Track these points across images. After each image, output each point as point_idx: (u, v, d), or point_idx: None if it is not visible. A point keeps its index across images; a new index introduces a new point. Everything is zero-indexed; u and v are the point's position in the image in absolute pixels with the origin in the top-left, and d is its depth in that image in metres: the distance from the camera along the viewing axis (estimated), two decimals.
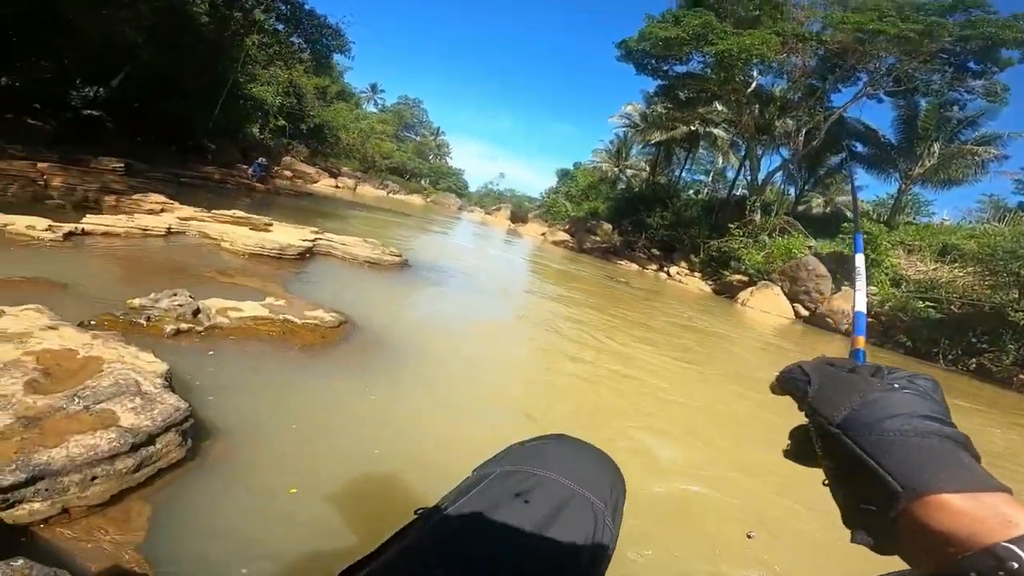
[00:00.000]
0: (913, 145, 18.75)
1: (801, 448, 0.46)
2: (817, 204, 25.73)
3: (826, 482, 0.41)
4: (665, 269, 20.23)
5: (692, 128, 25.08)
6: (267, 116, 21.05)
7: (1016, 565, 0.28)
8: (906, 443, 0.36)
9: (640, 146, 32.60)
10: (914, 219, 22.18)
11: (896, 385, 0.40)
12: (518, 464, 0.68)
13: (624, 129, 33.26)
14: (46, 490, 1.16)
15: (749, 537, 2.16)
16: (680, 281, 18.83)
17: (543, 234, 28.40)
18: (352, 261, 5.92)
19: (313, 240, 5.96)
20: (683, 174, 31.60)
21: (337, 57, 18.83)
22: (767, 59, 17.23)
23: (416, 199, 36.14)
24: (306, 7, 14.53)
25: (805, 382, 0.44)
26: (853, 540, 0.37)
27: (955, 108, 18.16)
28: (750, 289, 15.93)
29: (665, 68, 20.39)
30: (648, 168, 31.45)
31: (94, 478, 1.24)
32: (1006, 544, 0.29)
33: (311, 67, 20.86)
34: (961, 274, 14.23)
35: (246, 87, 17.97)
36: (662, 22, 18.06)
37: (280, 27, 15.25)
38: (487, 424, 2.63)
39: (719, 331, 8.77)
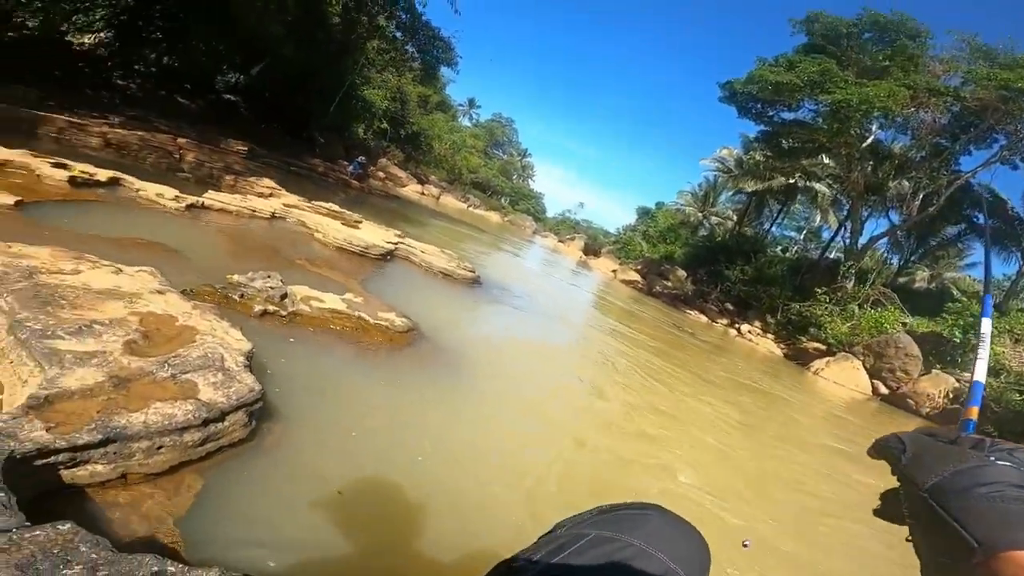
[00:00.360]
0: None
1: (889, 508, 0.49)
2: (922, 278, 23.23)
3: (909, 538, 0.44)
4: (736, 326, 18.92)
5: (791, 180, 23.64)
6: (373, 118, 22.53)
7: None
8: (990, 508, 0.38)
9: (730, 193, 31.37)
10: None
11: (993, 457, 0.42)
12: (615, 531, 0.65)
13: (715, 173, 32.08)
14: (114, 453, 1.21)
15: (745, 546, 2.23)
16: (750, 340, 17.59)
17: (614, 271, 27.89)
18: (428, 269, 6.10)
19: (395, 243, 6.22)
20: (773, 228, 29.88)
21: (443, 69, 19.84)
22: (891, 113, 15.39)
23: (494, 216, 36.97)
24: (424, 18, 15.49)
25: (900, 450, 0.47)
26: None
27: None
28: (826, 359, 14.59)
29: (771, 114, 19.01)
30: (735, 217, 30.06)
31: (160, 447, 1.29)
32: None
33: (419, 76, 22.11)
34: None
35: (360, 89, 19.33)
36: (775, 66, 17.08)
37: (398, 35, 16.30)
38: (535, 446, 2.58)
39: (783, 395, 8.06)
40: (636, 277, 25.01)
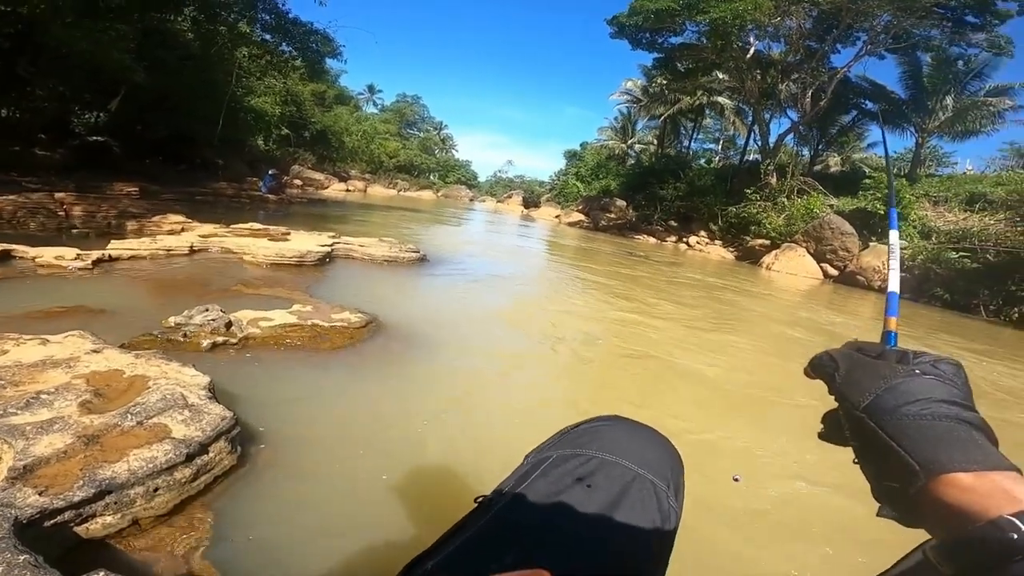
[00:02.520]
0: (923, 99, 18.21)
1: (832, 430, 0.48)
2: (835, 163, 25.03)
3: (855, 460, 0.44)
4: (684, 240, 19.99)
5: (696, 99, 24.53)
6: (269, 127, 21.20)
7: (1015, 536, 0.32)
8: (923, 426, 0.39)
9: (645, 120, 32.15)
10: (935, 171, 21.47)
11: (918, 371, 0.42)
12: (575, 448, 0.67)
13: (627, 105, 32.82)
14: (115, 503, 1.21)
15: (735, 480, 2.22)
16: (701, 250, 18.62)
17: (557, 216, 28.26)
18: (371, 261, 5.97)
19: (331, 245, 6.02)
20: (692, 145, 31.04)
21: (331, 62, 18.83)
22: (761, 23, 16.76)
23: (427, 195, 36.22)
24: (290, 15, 14.49)
25: (833, 368, 0.47)
26: (879, 514, 0.41)
27: (959, 63, 17.67)
28: (774, 252, 15.66)
29: (660, 41, 19.97)
30: (656, 142, 30.97)
31: (156, 489, 1.28)
32: (1009, 517, 0.33)
33: (305, 74, 20.90)
34: (992, 222, 13.77)
35: (245, 100, 18.08)
36: None
37: (268, 37, 15.24)
38: (519, 408, 2.64)
39: (746, 296, 8.62)
40: (580, 217, 25.56)
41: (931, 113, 18.21)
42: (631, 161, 32.92)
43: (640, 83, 29.50)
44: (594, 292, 6.67)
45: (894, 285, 0.57)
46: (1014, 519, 0.32)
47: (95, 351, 1.86)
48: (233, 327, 2.94)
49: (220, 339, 2.74)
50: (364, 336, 3.22)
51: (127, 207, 7.78)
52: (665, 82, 23.90)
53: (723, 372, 3.84)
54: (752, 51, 18.50)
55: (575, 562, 0.55)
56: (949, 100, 17.88)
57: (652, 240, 20.46)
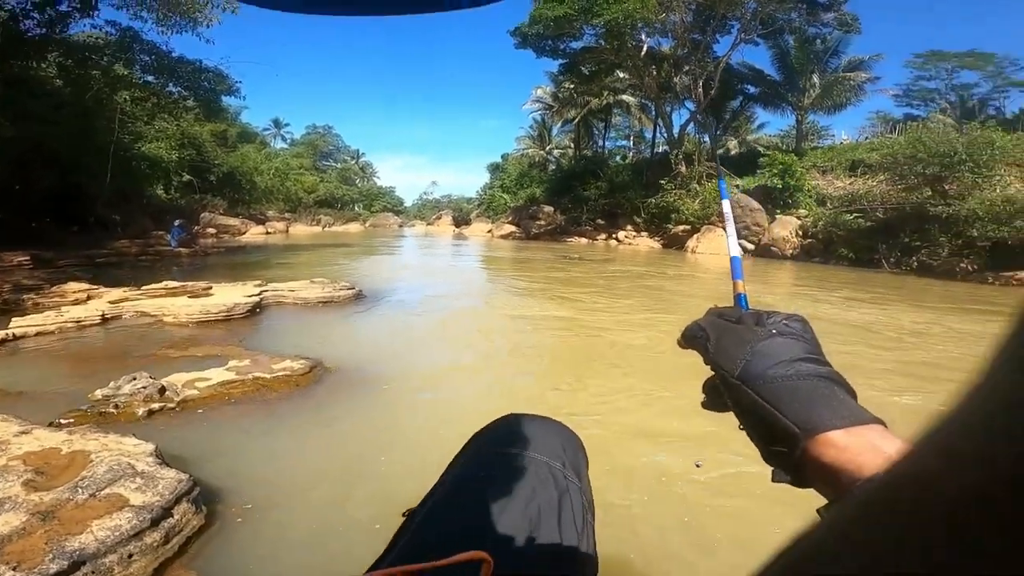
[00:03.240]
0: (794, 79, 20.28)
1: (713, 399, 0.48)
2: (733, 146, 27.18)
3: (741, 427, 0.44)
4: (613, 236, 20.93)
5: (603, 99, 25.85)
6: (168, 173, 19.76)
7: None
8: (792, 387, 0.40)
9: (559, 125, 33.24)
10: (817, 144, 23.94)
11: (774, 331, 0.44)
12: (480, 449, 0.74)
13: (540, 112, 33.81)
14: (92, 573, 1.16)
15: (697, 466, 2.17)
16: (630, 244, 19.57)
17: (489, 231, 28.48)
18: (305, 305, 5.79)
19: (259, 293, 5.77)
20: (606, 144, 32.53)
21: (229, 99, 18.00)
22: (649, 21, 18.11)
23: (354, 227, 35.23)
24: (174, 55, 13.71)
25: (704, 339, 0.47)
26: (774, 479, 0.41)
27: (818, 42, 19.81)
28: (696, 236, 16.73)
29: (562, 47, 21.08)
30: (572, 145, 32.12)
31: (131, 555, 1.25)
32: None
33: (201, 114, 19.77)
34: (875, 184, 15.32)
35: (135, 147, 16.77)
36: (548, 2, 18.46)
37: (151, 79, 14.31)
38: (467, 430, 2.66)
39: (675, 279, 9.18)
40: (512, 228, 25.91)
41: (803, 91, 20.29)
42: (552, 166, 33.81)
43: (549, 90, 30.55)
44: (532, 299, 6.85)
45: (735, 250, 0.60)
46: None
47: (23, 432, 1.74)
48: (168, 392, 2.80)
49: (156, 406, 2.61)
50: (310, 382, 3.16)
51: (22, 279, 7.04)
52: (572, 86, 25.00)
53: (652, 345, 4.12)
54: (645, 48, 19.87)
55: (494, 547, 0.58)
56: (816, 78, 20.02)
57: (584, 240, 21.22)
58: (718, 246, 15.75)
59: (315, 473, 2.05)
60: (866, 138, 23.50)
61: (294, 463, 2.12)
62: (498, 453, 0.71)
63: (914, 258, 12.60)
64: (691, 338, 0.49)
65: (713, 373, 0.47)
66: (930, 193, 13.18)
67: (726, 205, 0.68)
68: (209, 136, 23.97)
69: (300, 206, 34.90)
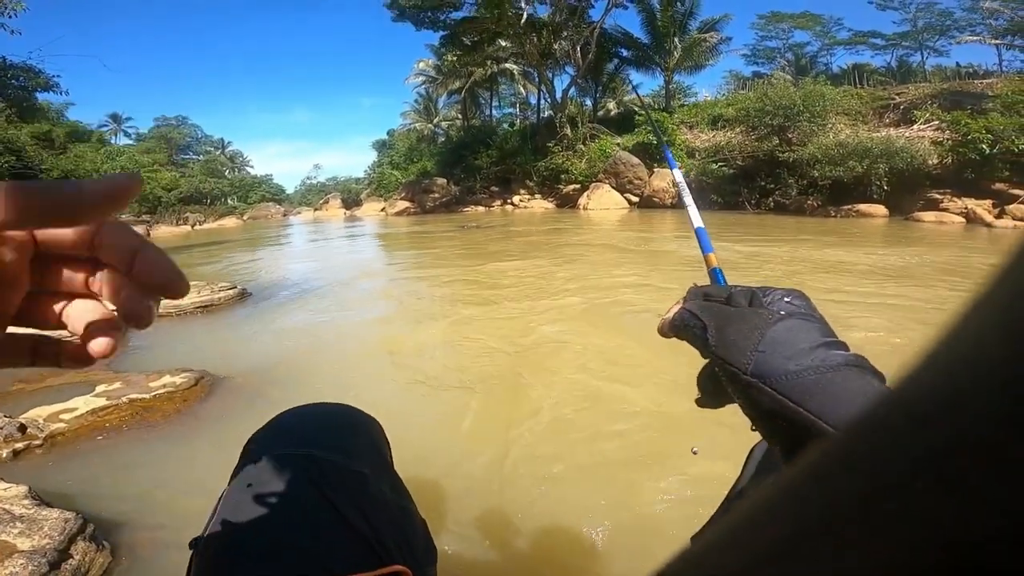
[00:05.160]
0: (661, 42, 21.68)
1: (714, 393, 0.42)
2: (613, 107, 28.48)
3: (754, 428, 0.39)
4: (509, 201, 21.32)
5: (487, 68, 25.65)
6: None
7: None
8: (822, 381, 0.34)
9: (445, 97, 32.52)
10: (684, 102, 26.01)
11: (784, 312, 0.38)
12: (250, 458, 0.68)
13: (424, 86, 32.78)
14: None
15: (694, 453, 1.95)
16: (525, 207, 20.11)
17: (383, 210, 27.42)
18: (180, 313, 5.14)
19: None
20: (494, 112, 32.47)
21: (48, 96, 15.30)
22: None
23: (230, 222, 31.76)
24: None
25: (701, 327, 0.40)
26: None
27: (679, 4, 21.25)
28: (586, 194, 17.62)
29: (442, 18, 20.67)
30: (460, 116, 31.65)
31: None
32: None
33: (14, 115, 16.59)
34: (732, 135, 17.10)
35: None
36: None
37: None
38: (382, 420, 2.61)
39: (570, 234, 9.57)
40: (406, 204, 25.24)
41: (669, 53, 21.77)
42: (441, 139, 33.19)
43: (432, 62, 29.67)
44: (433, 272, 6.72)
45: (696, 221, 0.54)
46: None
47: None
48: (30, 429, 2.38)
49: (20, 445, 2.20)
50: (198, 396, 2.83)
51: None
52: (455, 58, 24.46)
53: (567, 290, 4.33)
54: (525, 16, 19.99)
55: (263, 564, 0.55)
56: (677, 40, 21.54)
57: (481, 208, 21.37)
58: (607, 201, 16.86)
59: (216, 493, 1.85)
60: (723, 95, 25.94)
61: (191, 487, 1.88)
62: (262, 458, 0.65)
63: (770, 199, 14.42)
64: (684, 327, 0.41)
65: (708, 363, 0.41)
66: (777, 142, 15.00)
67: (677, 174, 0.62)
68: (29, 139, 20.21)
69: (160, 206, 30.76)
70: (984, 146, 11.29)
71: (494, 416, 2.27)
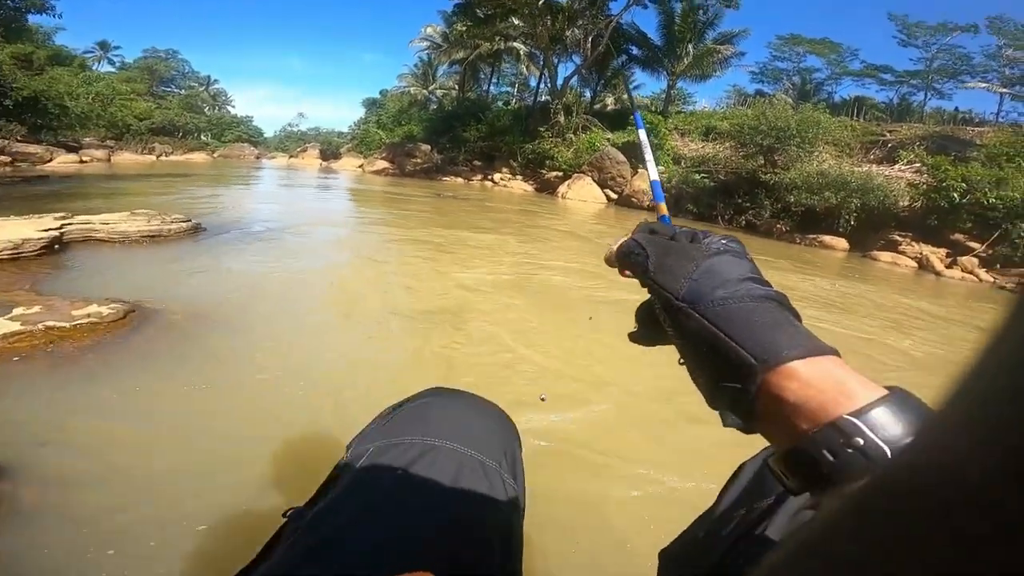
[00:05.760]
0: (674, 46, 21.54)
1: (648, 328, 0.43)
2: (610, 102, 28.28)
3: (682, 361, 0.39)
4: (489, 178, 21.22)
5: (494, 44, 25.14)
6: None
7: (861, 441, 0.28)
8: (745, 309, 0.35)
9: (446, 66, 31.88)
10: (682, 109, 26.06)
11: (719, 248, 0.40)
12: (395, 434, 0.60)
13: (428, 52, 32.09)
14: None
15: (542, 400, 2.13)
16: (505, 186, 20.01)
17: (360, 166, 26.90)
18: (123, 241, 4.87)
19: (59, 227, 4.70)
20: (491, 88, 31.91)
21: (39, 18, 14.47)
22: None
23: (199, 157, 30.47)
24: None
25: (644, 256, 0.41)
26: (725, 424, 0.35)
27: (700, 12, 21.09)
28: (567, 183, 17.61)
29: None
30: (457, 87, 31.05)
31: None
32: (848, 417, 0.29)
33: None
34: (721, 149, 17.19)
35: None
36: None
37: None
38: (331, 378, 2.36)
39: (545, 220, 9.50)
40: (385, 164, 24.93)
41: (679, 59, 21.64)
42: (433, 106, 32.61)
43: (440, 29, 29.15)
44: (396, 230, 6.63)
45: (654, 174, 0.58)
46: (854, 420, 0.28)
47: None
48: None
49: None
50: (124, 329, 2.67)
51: None
52: (465, 28, 24.00)
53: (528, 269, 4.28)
54: None
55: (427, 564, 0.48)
56: (691, 47, 21.42)
57: (460, 180, 21.25)
58: (586, 193, 16.90)
59: (127, 440, 1.73)
60: (722, 108, 26.07)
61: (101, 432, 1.76)
62: (422, 444, 0.57)
63: (743, 217, 14.62)
64: (628, 254, 0.43)
65: (648, 298, 0.42)
66: (763, 162, 15.17)
67: (642, 134, 0.66)
68: (9, 59, 19.44)
69: (128, 133, 29.37)
70: (955, 194, 11.59)
71: (403, 347, 2.84)
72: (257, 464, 1.62)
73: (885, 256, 11.24)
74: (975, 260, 10.80)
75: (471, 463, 0.56)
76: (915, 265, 10.94)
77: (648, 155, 0.62)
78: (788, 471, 0.31)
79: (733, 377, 0.34)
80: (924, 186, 12.76)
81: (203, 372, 2.27)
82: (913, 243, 11.78)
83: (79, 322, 2.64)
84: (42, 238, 4.34)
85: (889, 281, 8.33)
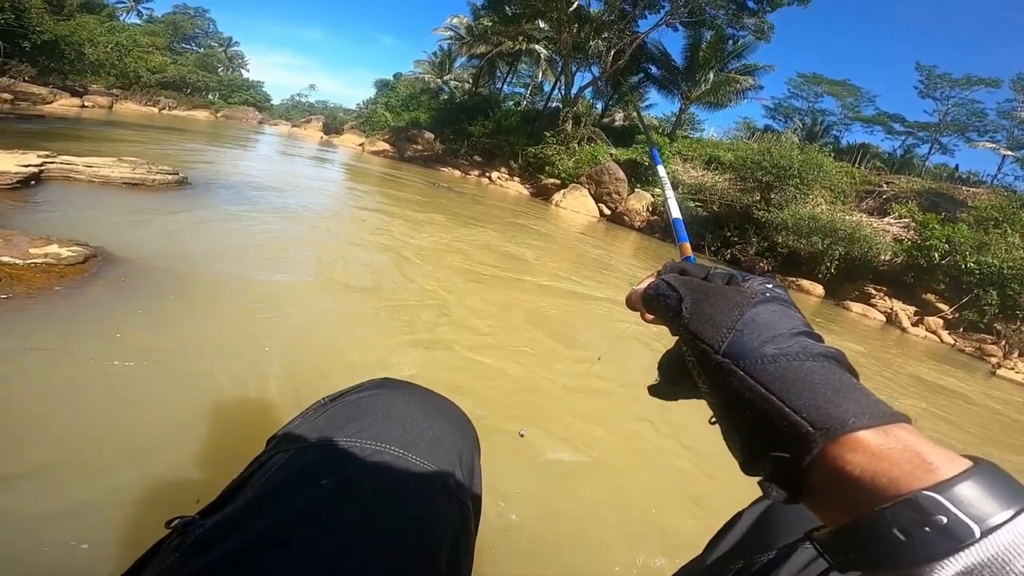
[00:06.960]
0: (694, 71, 21.67)
1: (675, 380, 0.38)
2: (619, 118, 28.46)
3: (714, 420, 0.34)
4: (487, 175, 21.32)
5: (516, 43, 25.25)
6: None
7: (944, 519, 0.23)
8: (801, 369, 0.30)
9: (464, 59, 31.92)
10: (689, 134, 26.30)
11: (767, 294, 0.35)
12: (325, 432, 0.50)
13: (448, 42, 32.14)
14: None
15: (521, 436, 1.97)
16: (501, 185, 20.15)
17: (361, 144, 26.89)
18: (104, 185, 4.86)
19: (40, 164, 4.69)
20: (504, 87, 32.03)
21: None
22: None
23: (201, 114, 30.31)
24: None
25: (676, 300, 0.36)
26: (766, 496, 0.30)
27: (729, 42, 21.24)
28: (563, 191, 17.69)
29: None
30: (471, 80, 31.15)
31: None
32: (928, 493, 0.24)
33: None
34: (720, 180, 17.25)
35: None
36: None
37: None
38: (290, 344, 2.35)
39: (534, 226, 9.57)
40: (385, 146, 25.00)
41: (697, 84, 21.81)
42: (444, 96, 32.70)
43: (466, 20, 29.10)
44: (382, 209, 6.67)
45: (676, 212, 0.55)
46: (936, 495, 0.24)
47: None
48: None
49: None
50: (81, 274, 2.63)
51: None
52: (491, 23, 24.04)
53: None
54: (576, 4, 19.94)
55: None
56: (711, 75, 21.58)
57: (457, 173, 21.42)
58: (580, 204, 17.02)
59: (75, 410, 1.59)
60: (729, 139, 26.32)
61: (43, 388, 1.66)
62: (355, 446, 0.48)
63: (730, 250, 14.72)
64: (655, 297, 0.37)
65: (674, 347, 0.37)
66: (759, 198, 15.29)
67: (661, 170, 0.66)
68: (40, 2, 19.57)
69: (136, 84, 29.26)
70: (936, 254, 11.78)
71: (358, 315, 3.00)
72: (158, 455, 1.43)
73: (856, 307, 11.46)
74: (940, 321, 11.09)
75: (416, 471, 0.48)
76: (883, 319, 11.18)
77: (669, 192, 0.59)
78: (843, 549, 0.27)
79: (781, 445, 0.29)
80: (908, 242, 13.00)
81: (134, 342, 2.03)
82: (886, 298, 12.01)
83: (34, 261, 2.61)
84: (19, 172, 4.33)
85: (855, 331, 8.52)
